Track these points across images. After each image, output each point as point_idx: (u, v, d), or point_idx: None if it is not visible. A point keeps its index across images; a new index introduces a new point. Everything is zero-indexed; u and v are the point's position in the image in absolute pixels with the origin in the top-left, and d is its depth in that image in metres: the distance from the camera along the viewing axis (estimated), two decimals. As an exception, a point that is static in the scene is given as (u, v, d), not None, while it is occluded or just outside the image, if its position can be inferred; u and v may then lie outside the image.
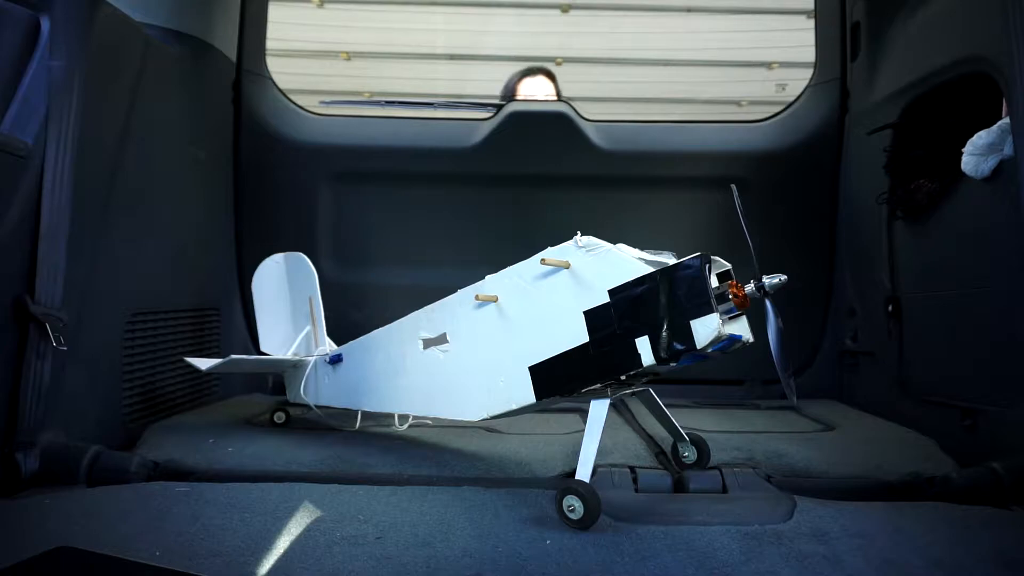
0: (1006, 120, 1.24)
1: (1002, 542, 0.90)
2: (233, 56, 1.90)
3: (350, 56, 4.70)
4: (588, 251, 0.98)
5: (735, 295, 0.91)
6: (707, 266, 0.89)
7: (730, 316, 0.91)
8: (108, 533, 0.89)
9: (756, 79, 4.85)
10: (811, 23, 4.23)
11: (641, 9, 4.21)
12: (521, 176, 2.02)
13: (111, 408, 1.35)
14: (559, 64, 4.92)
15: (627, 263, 0.95)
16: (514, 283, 1.06)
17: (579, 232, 1.00)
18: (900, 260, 1.61)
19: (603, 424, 0.97)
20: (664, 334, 0.90)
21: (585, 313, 0.96)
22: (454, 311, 1.14)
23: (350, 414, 1.48)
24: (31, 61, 1.19)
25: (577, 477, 0.94)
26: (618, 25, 4.39)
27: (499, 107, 2.01)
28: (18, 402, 1.11)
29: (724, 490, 1.11)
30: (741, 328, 0.92)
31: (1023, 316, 1.19)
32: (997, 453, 1.19)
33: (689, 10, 4.18)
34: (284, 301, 1.58)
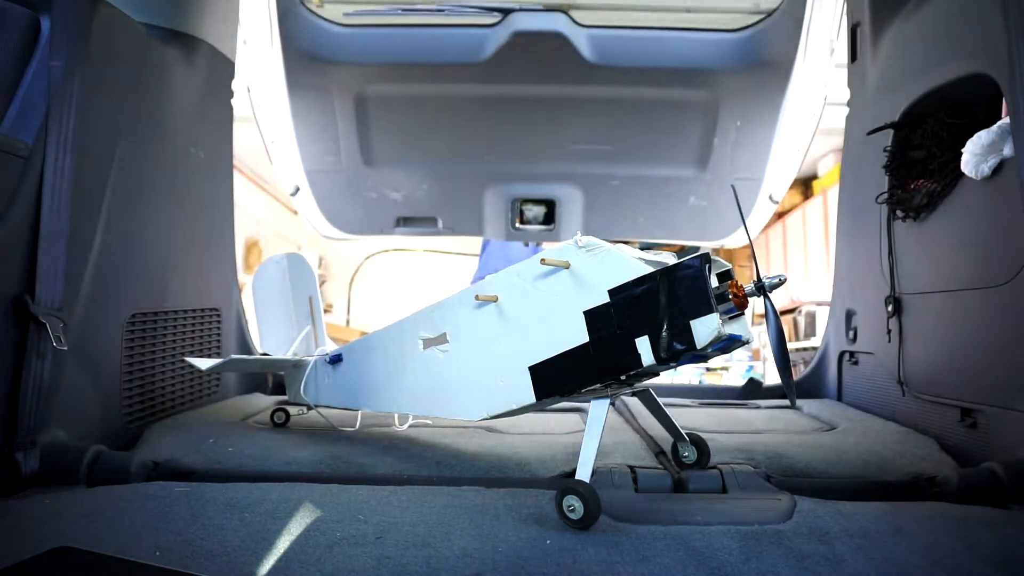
0: (1006, 120, 1.24)
1: (1002, 542, 0.90)
2: (233, 56, 1.90)
3: (350, 56, 4.70)
4: (588, 251, 0.98)
5: (735, 295, 0.91)
6: (707, 266, 0.89)
7: (730, 316, 0.91)
8: (108, 533, 0.89)
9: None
10: (811, 23, 4.17)
11: (641, 9, 4.20)
12: (520, 88, 2.27)
13: (111, 408, 1.35)
14: (559, 64, 4.91)
15: (627, 263, 0.94)
16: (514, 283, 1.06)
17: (579, 232, 1.00)
18: (900, 260, 1.61)
19: (603, 424, 0.97)
20: (664, 334, 0.90)
21: (585, 313, 0.96)
22: (454, 311, 1.14)
23: (350, 414, 1.48)
24: (31, 61, 1.19)
25: (577, 477, 0.93)
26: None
27: (505, 12, 2.17)
28: (18, 402, 1.11)
29: (724, 490, 1.11)
30: (741, 328, 0.92)
31: (1023, 316, 1.19)
32: (997, 453, 1.19)
33: (689, 10, 4.18)
34: (285, 301, 1.59)
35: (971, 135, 1.29)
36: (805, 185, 7.09)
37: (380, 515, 0.96)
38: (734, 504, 1.06)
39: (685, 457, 1.17)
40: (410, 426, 1.48)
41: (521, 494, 1.06)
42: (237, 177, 2.22)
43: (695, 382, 5.96)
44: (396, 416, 1.48)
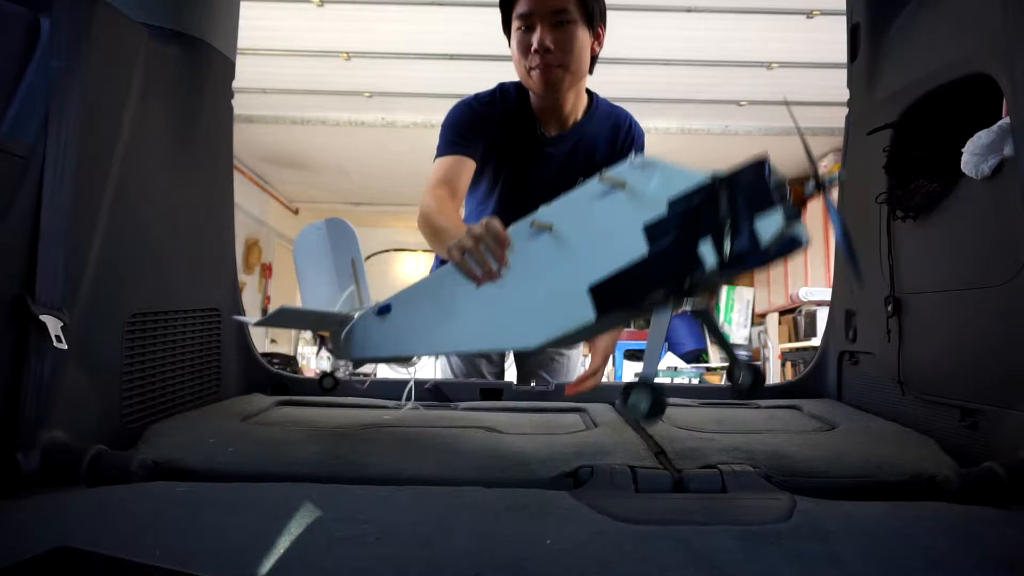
0: (1006, 120, 1.24)
1: (1002, 542, 0.90)
2: (233, 56, 1.90)
3: (350, 56, 4.70)
4: (644, 168, 0.98)
5: (794, 196, 0.90)
6: (767, 166, 0.89)
7: (789, 219, 0.90)
8: (108, 533, 0.89)
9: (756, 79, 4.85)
10: (811, 23, 4.24)
11: (641, 9, 4.21)
12: None
13: (111, 408, 1.35)
14: (559, 64, 4.89)
15: (685, 174, 0.94)
16: (570, 208, 1.05)
17: (633, 153, 1.00)
18: (900, 260, 1.61)
19: (665, 331, 0.98)
20: (727, 238, 0.89)
21: (645, 227, 0.95)
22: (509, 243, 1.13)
23: (350, 414, 1.48)
24: (31, 61, 1.19)
25: (643, 373, 0.96)
26: (618, 25, 4.39)
27: None
28: (18, 402, 1.11)
29: (724, 490, 1.11)
30: (801, 230, 0.92)
31: (1023, 316, 1.19)
32: (997, 453, 1.19)
33: (689, 10, 4.18)
34: (326, 265, 1.58)
35: (971, 135, 1.29)
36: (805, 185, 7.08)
37: (380, 515, 0.96)
38: (734, 504, 1.06)
39: (740, 381, 1.15)
40: (412, 407, 1.50)
41: (521, 494, 1.05)
42: (237, 177, 2.22)
43: (695, 382, 5.95)
44: (404, 395, 1.48)
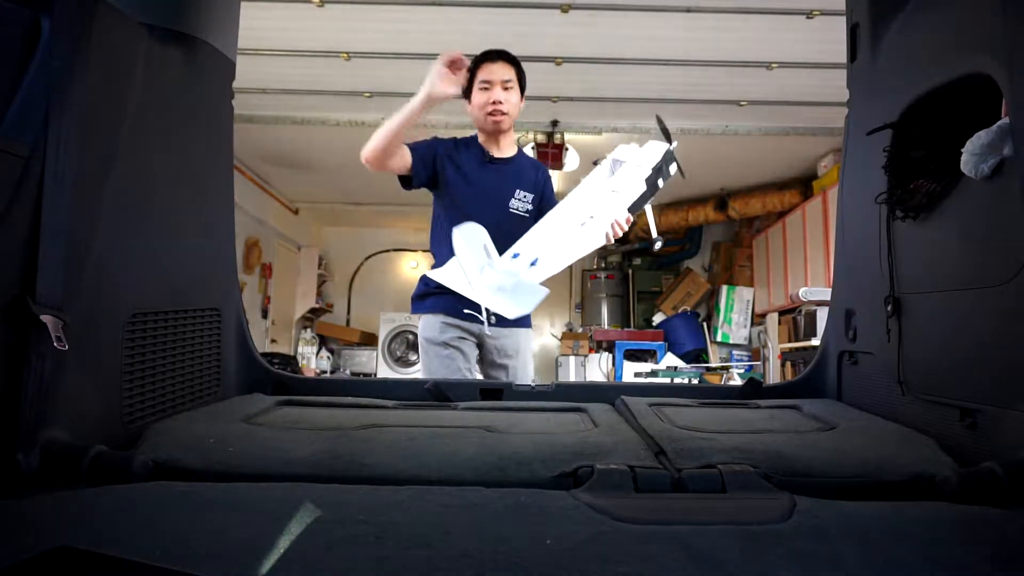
0: (1006, 120, 1.24)
1: (1002, 542, 0.90)
2: (234, 56, 1.90)
3: (350, 56, 4.70)
4: (623, 165, 2.09)
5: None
6: (671, 151, 2.14)
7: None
8: (108, 533, 0.89)
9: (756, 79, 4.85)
10: (811, 23, 4.25)
11: (641, 9, 4.21)
12: None
13: (111, 408, 1.35)
14: (559, 64, 4.91)
15: (649, 152, 2.13)
16: (590, 190, 2.07)
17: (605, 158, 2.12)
18: (900, 260, 1.61)
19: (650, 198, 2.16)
20: (664, 174, 2.14)
21: (645, 179, 2.07)
22: (587, 194, 2.07)
23: (350, 414, 1.48)
24: (31, 61, 1.19)
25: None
26: (618, 25, 4.39)
27: None
28: (18, 402, 1.11)
29: (723, 490, 1.11)
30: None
31: (1023, 316, 1.19)
32: (997, 453, 1.19)
33: (689, 10, 4.18)
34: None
35: (971, 135, 1.29)
36: (805, 185, 7.09)
37: (380, 515, 0.96)
38: (734, 504, 1.06)
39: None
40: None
41: (521, 494, 1.05)
42: (237, 177, 2.21)
43: (695, 382, 5.96)
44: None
